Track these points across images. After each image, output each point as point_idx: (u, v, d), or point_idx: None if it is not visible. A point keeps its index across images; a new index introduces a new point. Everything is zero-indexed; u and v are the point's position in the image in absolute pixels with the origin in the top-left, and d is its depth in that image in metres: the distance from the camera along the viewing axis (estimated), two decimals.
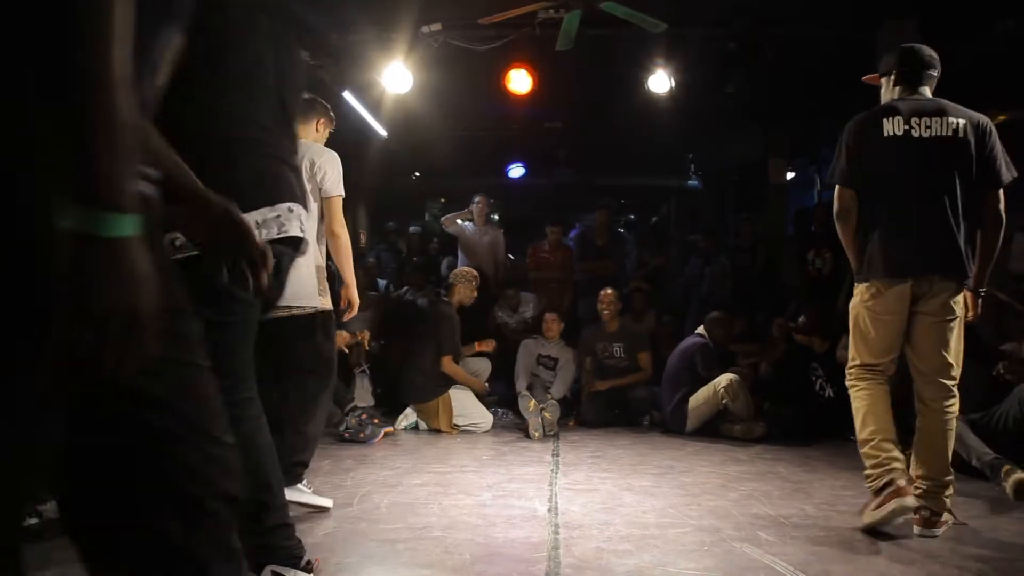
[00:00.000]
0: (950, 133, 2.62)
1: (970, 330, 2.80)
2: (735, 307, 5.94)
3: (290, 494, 2.90)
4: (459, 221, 6.80)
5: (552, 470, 3.74)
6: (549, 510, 2.93)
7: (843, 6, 5.58)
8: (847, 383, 2.87)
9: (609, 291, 5.66)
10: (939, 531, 2.59)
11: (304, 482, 2.93)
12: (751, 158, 8.76)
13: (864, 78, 3.00)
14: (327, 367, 3.01)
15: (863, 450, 2.70)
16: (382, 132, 7.85)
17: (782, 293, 6.71)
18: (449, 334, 4.98)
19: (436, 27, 5.55)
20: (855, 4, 5.57)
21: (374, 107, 7.12)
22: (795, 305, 5.72)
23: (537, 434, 4.70)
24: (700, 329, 5.29)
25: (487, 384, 5.38)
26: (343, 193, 3.08)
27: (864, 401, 2.74)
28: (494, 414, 5.20)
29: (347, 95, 6.43)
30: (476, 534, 2.60)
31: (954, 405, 2.66)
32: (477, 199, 6.76)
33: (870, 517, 2.59)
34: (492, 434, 4.86)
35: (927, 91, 2.76)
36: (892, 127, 2.64)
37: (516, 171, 10.05)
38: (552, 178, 10.49)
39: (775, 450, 4.20)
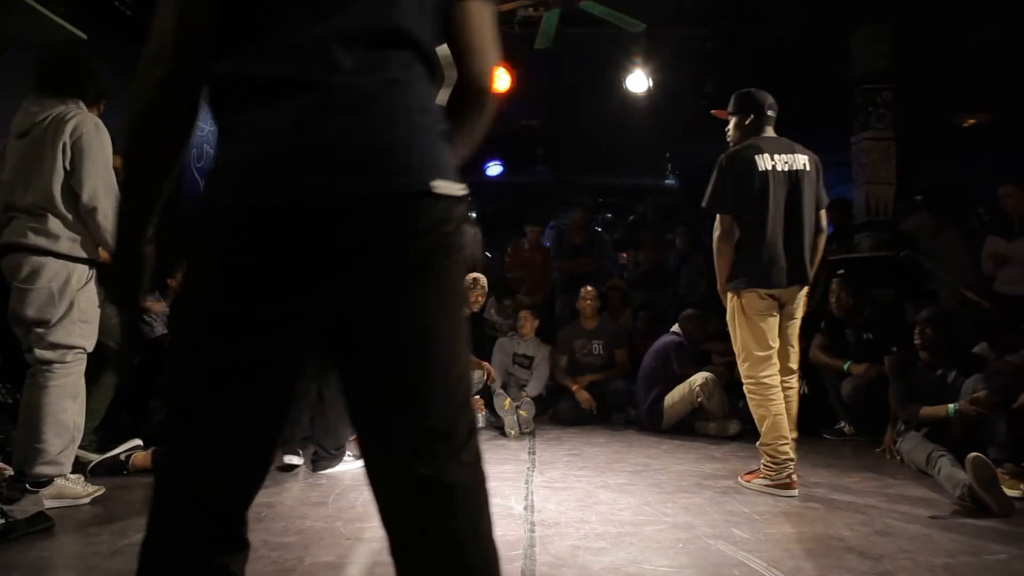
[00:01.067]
0: (801, 167, 3.20)
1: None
2: (710, 305, 5.97)
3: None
4: None
5: (528, 468, 3.74)
6: (525, 508, 2.93)
7: (820, 9, 5.65)
8: (747, 388, 3.26)
9: (590, 288, 5.68)
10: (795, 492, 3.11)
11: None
12: None
13: (713, 112, 3.58)
14: None
15: (766, 449, 3.22)
16: None
17: None
18: None
19: None
20: (832, 7, 5.64)
21: None
22: None
23: (513, 432, 4.69)
24: (675, 327, 5.32)
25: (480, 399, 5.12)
26: None
27: (766, 410, 3.20)
28: None
29: None
30: None
31: (794, 381, 3.33)
32: None
33: (758, 486, 3.22)
34: None
35: (771, 130, 3.32)
36: (763, 163, 3.17)
37: (494, 169, 10.01)
38: (529, 176, 10.47)
39: (749, 448, 4.22)
